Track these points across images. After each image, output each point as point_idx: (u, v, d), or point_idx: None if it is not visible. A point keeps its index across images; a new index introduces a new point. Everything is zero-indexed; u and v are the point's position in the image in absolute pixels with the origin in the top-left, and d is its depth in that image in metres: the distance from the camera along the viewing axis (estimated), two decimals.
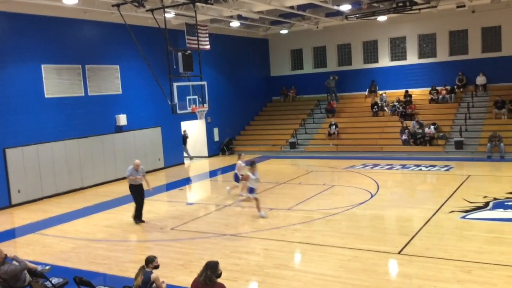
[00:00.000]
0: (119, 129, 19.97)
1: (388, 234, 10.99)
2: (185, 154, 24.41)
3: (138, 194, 12.77)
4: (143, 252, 10.12)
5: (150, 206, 14.31)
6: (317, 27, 25.82)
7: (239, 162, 15.20)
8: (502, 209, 12.04)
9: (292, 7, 20.59)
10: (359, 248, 9.77)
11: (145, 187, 12.98)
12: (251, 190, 12.76)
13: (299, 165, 21.55)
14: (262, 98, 29.95)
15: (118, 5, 16.63)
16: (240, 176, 14.96)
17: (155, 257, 6.91)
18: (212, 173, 21.30)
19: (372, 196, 14.30)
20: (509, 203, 12.47)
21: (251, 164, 12.91)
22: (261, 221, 12.27)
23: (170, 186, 18.02)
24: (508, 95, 22.48)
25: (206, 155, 25.23)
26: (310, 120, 27.06)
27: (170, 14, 19.20)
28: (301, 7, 21.28)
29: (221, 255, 9.84)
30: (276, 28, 26.57)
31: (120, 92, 20.13)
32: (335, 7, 20.47)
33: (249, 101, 28.51)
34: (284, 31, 27.00)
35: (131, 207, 13.37)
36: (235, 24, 23.22)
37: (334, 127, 24.71)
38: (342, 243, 10.19)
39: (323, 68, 28.73)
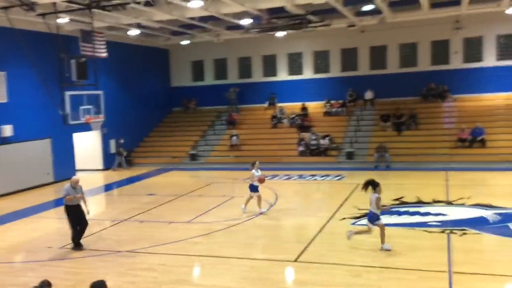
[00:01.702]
0: (4, 141, 18.38)
1: (286, 243, 11.30)
2: (116, 167, 23.85)
3: (77, 216, 10.96)
4: (26, 274, 9.36)
5: (36, 224, 13.33)
6: (218, 40, 26.07)
7: (253, 171, 13.63)
8: (388, 215, 12.92)
9: (193, 19, 20.59)
10: (258, 258, 9.92)
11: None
12: (374, 217, 10.13)
13: (199, 177, 21.45)
14: (162, 109, 29.44)
15: (5, 8, 15.42)
16: (257, 184, 13.55)
17: (50, 283, 6.30)
18: (108, 187, 20.39)
19: (271, 206, 14.62)
20: (394, 209, 13.44)
21: (375, 185, 10.17)
22: (158, 235, 11.95)
23: (60, 202, 16.86)
24: (392, 109, 24.42)
25: (101, 168, 24.11)
26: (211, 132, 27.13)
27: (64, 20, 18.20)
28: (203, 19, 21.35)
29: (116, 273, 9.40)
30: (177, 38, 26.36)
31: (5, 100, 18.57)
32: (236, 21, 20.84)
33: (149, 112, 27.86)
34: (185, 42, 26.87)
35: (14, 226, 12.29)
36: (133, 32, 22.62)
37: (235, 138, 24.99)
38: (242, 254, 10.27)
39: (224, 80, 29.03)
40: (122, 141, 24.13)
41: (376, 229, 10.21)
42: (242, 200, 15.68)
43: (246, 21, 21.05)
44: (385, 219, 12.45)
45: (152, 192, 17.81)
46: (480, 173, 18.73)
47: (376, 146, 21.86)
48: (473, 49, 24.73)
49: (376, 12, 21.36)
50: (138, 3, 17.10)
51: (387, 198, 14.69)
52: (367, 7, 20.48)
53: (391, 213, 13.12)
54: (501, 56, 24.25)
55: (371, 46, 26.17)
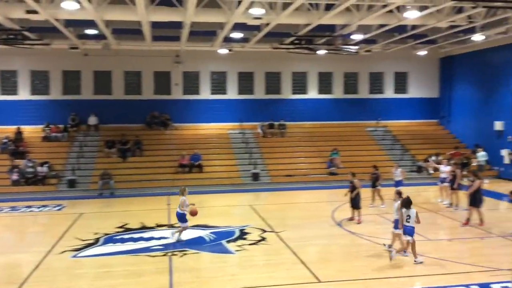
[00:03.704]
0: None
1: None
2: None
3: None
4: None
5: None
6: None
7: (183, 197, 12.52)
8: (111, 243, 12.62)
9: None
10: None
11: None
12: (413, 231, 10.56)
13: None
14: None
15: None
16: (186, 213, 12.56)
17: None
18: None
19: None
20: (118, 237, 13.23)
21: (410, 202, 10.69)
22: None
23: None
24: (117, 135, 24.35)
25: None
26: None
27: None
28: None
29: None
30: None
31: None
32: None
33: None
34: None
35: None
36: None
37: None
38: None
39: None
40: None
41: None
42: None
43: None
44: (109, 248, 12.14)
45: None
46: (199, 196, 20.20)
47: (101, 173, 21.31)
48: (191, 82, 27.00)
49: (100, 37, 21.09)
50: None
51: (111, 226, 14.47)
52: (90, 31, 20.06)
53: (115, 241, 12.85)
54: (214, 90, 27.20)
55: (95, 71, 25.68)
